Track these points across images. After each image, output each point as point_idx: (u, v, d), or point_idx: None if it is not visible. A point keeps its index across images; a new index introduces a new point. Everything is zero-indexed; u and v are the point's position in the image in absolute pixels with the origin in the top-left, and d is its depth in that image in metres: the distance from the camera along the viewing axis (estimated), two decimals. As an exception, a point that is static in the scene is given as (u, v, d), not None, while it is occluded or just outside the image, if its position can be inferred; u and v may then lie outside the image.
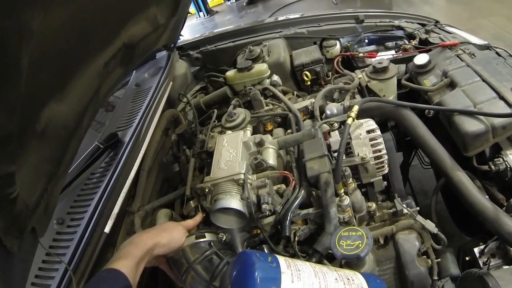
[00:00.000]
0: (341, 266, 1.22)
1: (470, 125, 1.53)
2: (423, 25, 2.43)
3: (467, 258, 1.50)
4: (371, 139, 1.50)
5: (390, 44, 2.34)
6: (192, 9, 9.94)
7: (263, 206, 1.36)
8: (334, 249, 1.13)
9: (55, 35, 1.08)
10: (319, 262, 1.26)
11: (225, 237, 1.40)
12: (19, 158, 0.98)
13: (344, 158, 1.48)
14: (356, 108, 1.56)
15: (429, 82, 1.88)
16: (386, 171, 1.54)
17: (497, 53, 1.89)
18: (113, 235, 1.52)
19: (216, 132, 1.89)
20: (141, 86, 2.24)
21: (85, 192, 1.62)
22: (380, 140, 1.51)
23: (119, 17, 1.54)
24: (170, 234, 1.30)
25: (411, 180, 2.57)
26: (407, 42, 2.30)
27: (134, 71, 2.40)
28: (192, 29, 9.43)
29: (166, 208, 1.65)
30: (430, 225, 1.35)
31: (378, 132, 1.52)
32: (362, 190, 1.58)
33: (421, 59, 1.95)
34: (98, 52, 1.40)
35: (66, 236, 1.47)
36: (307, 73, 2.26)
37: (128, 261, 1.14)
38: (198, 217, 1.47)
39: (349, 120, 1.49)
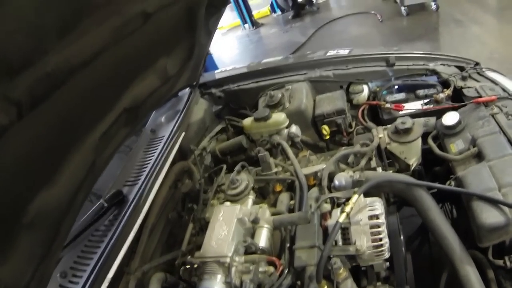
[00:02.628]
0: None
1: (488, 216, 1.35)
2: (461, 68, 2.20)
3: None
4: (371, 227, 1.38)
5: (421, 92, 2.16)
6: (237, 20, 9.96)
7: None
8: None
9: (44, 126, 1.04)
10: None
11: None
12: (4, 256, 0.97)
13: (338, 244, 1.41)
14: (353, 199, 1.42)
15: (455, 147, 1.70)
16: (386, 256, 1.42)
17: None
18: None
19: (216, 199, 1.83)
20: (156, 132, 2.19)
21: (87, 250, 1.62)
22: (382, 228, 1.39)
23: (119, 82, 1.46)
24: None
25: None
26: (440, 91, 2.10)
27: (154, 112, 2.34)
28: (237, 40, 9.47)
29: (160, 272, 1.61)
30: None
31: (382, 219, 1.40)
32: (362, 268, 1.48)
33: (450, 119, 1.77)
34: (93, 125, 1.33)
35: None
36: (326, 127, 2.13)
37: None
38: None
39: (341, 218, 1.36)
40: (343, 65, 2.42)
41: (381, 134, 1.87)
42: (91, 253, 1.58)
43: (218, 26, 2.17)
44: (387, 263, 1.47)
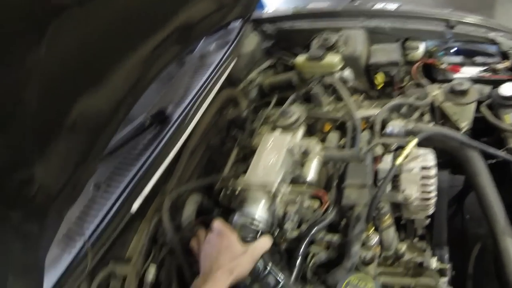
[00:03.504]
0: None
1: None
2: None
3: None
4: (422, 177, 1.37)
5: (479, 59, 2.09)
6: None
7: (286, 224, 1.34)
8: None
9: (94, 26, 1.01)
10: None
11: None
12: (42, 156, 0.96)
13: (387, 190, 1.38)
14: (412, 144, 1.41)
15: (510, 118, 1.68)
16: (430, 213, 1.41)
17: None
18: (140, 214, 1.52)
19: (266, 127, 1.82)
20: (205, 59, 2.17)
21: (124, 165, 1.63)
22: (433, 181, 1.37)
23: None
24: (243, 268, 1.21)
25: (467, 204, 2.37)
26: (499, 61, 2.04)
27: (203, 41, 2.32)
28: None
29: (197, 194, 1.62)
30: None
31: (434, 171, 1.38)
32: (401, 222, 1.47)
33: (508, 89, 1.73)
34: (147, 36, 1.30)
35: (97, 205, 1.50)
36: (380, 75, 2.09)
37: None
38: (266, 243, 1.29)
39: (398, 160, 1.35)
40: (402, 20, 2.36)
41: (435, 91, 1.84)
42: (128, 168, 1.60)
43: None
44: (427, 221, 1.47)
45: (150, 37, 1.31)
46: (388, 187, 1.41)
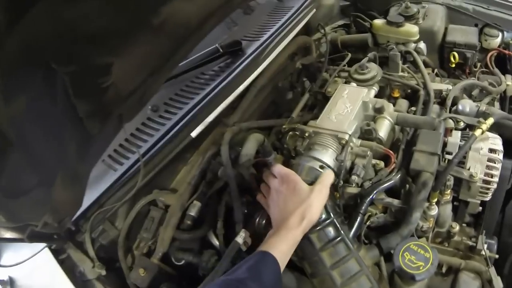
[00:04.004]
0: (392, 274, 1.22)
1: None
2: None
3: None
4: (489, 160, 1.38)
5: None
6: None
7: (353, 176, 1.32)
8: (395, 257, 1.12)
9: None
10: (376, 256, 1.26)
11: None
12: (124, 50, 0.99)
13: None
14: (491, 121, 1.43)
15: None
16: (488, 198, 1.42)
17: None
18: (198, 140, 1.53)
19: (341, 78, 1.84)
20: (284, 2, 2.19)
21: (189, 90, 1.64)
22: (498, 165, 1.38)
23: None
24: (315, 209, 1.18)
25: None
26: None
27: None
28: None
29: (260, 133, 1.58)
30: (498, 284, 1.25)
31: (501, 156, 1.40)
32: (455, 203, 1.48)
33: None
34: None
35: (154, 125, 1.52)
36: (456, 54, 2.09)
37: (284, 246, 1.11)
38: (330, 176, 1.28)
39: (478, 132, 1.37)
40: (485, 5, 2.33)
41: (509, 82, 1.85)
42: (191, 95, 1.61)
43: None
44: (480, 208, 1.48)
45: None
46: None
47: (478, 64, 2.14)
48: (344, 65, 1.95)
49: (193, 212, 1.42)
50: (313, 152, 1.37)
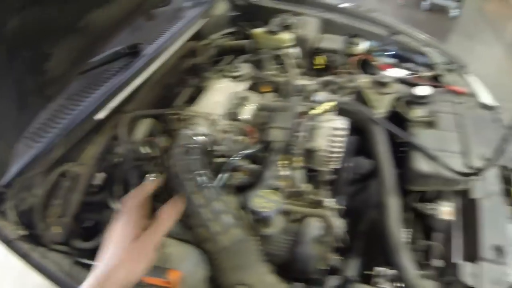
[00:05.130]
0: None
1: (421, 164, 1.71)
2: (449, 63, 2.50)
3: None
4: (332, 135, 1.70)
5: (408, 65, 2.48)
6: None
7: (219, 147, 1.63)
8: (248, 202, 1.40)
9: None
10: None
11: None
12: (59, 43, 1.45)
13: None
14: (333, 103, 1.76)
15: (416, 112, 2.03)
16: (332, 167, 1.75)
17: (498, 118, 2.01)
18: (102, 125, 1.79)
19: (216, 76, 2.15)
20: (181, 12, 2.49)
21: (95, 83, 1.89)
22: (339, 140, 1.71)
23: None
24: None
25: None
26: (424, 71, 2.41)
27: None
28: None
29: (151, 120, 1.89)
30: (339, 225, 1.52)
31: (342, 133, 1.72)
32: (313, 173, 1.77)
33: (422, 90, 2.07)
34: None
35: (66, 111, 1.74)
36: (321, 58, 2.46)
37: None
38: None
39: (314, 111, 1.70)
40: (355, 19, 2.75)
41: (362, 79, 2.19)
42: (98, 86, 1.85)
43: None
44: (330, 177, 1.79)
45: None
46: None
47: (345, 67, 2.48)
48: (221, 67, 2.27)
49: (97, 181, 1.70)
50: (187, 130, 1.65)
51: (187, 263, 1.36)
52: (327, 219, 1.50)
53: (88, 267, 1.47)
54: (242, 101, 1.86)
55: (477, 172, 1.61)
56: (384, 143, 1.82)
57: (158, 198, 1.43)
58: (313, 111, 1.72)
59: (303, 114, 1.79)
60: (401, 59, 2.55)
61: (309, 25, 2.57)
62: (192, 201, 1.41)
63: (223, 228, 1.38)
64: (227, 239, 1.38)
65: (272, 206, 1.37)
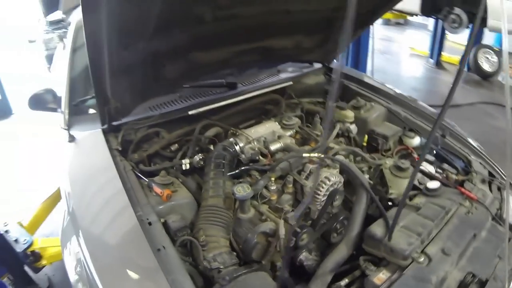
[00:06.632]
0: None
1: (376, 229, 1.97)
2: (490, 174, 2.64)
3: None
4: (321, 180, 2.26)
5: (444, 165, 2.70)
6: (427, 51, 10.64)
7: (243, 156, 2.51)
8: (232, 190, 2.09)
9: None
10: None
11: None
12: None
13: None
14: (332, 168, 2.39)
15: (417, 199, 2.26)
16: (318, 207, 2.29)
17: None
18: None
19: (275, 119, 3.05)
20: (278, 71, 3.60)
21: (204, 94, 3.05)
22: (325, 187, 2.24)
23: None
24: None
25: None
26: (455, 173, 2.62)
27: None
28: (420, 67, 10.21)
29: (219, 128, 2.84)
30: (283, 233, 1.94)
31: (329, 182, 2.26)
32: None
33: (431, 184, 2.31)
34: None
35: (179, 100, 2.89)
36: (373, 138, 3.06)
37: None
38: None
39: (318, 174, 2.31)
40: (416, 114, 3.18)
41: (388, 160, 2.64)
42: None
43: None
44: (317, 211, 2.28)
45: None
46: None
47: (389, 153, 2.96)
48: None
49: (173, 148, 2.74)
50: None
51: (183, 199, 2.16)
52: (278, 226, 1.98)
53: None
54: (275, 136, 2.66)
55: (414, 256, 1.81)
56: (363, 205, 2.18)
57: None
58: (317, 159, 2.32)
59: (312, 161, 2.39)
60: (441, 159, 2.81)
61: (375, 111, 3.20)
62: (208, 174, 2.30)
63: (213, 194, 2.16)
64: (212, 201, 2.13)
65: (243, 193, 2.02)
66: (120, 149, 2.38)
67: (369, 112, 3.16)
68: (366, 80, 3.71)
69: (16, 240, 3.25)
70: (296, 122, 2.91)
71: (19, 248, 3.20)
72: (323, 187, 2.25)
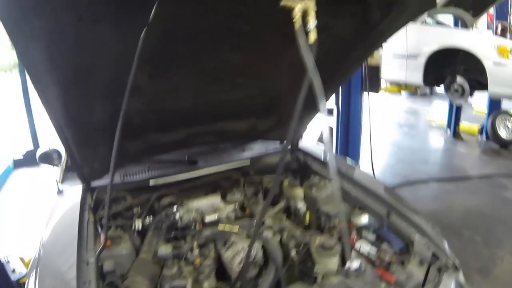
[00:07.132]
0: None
1: None
2: (434, 255, 2.48)
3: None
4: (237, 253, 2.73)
5: (383, 245, 2.70)
6: (444, 122, 10.76)
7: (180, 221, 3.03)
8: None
9: None
10: None
11: None
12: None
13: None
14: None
15: (333, 277, 2.49)
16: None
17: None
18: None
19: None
20: (238, 151, 4.05)
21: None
22: (237, 259, 2.73)
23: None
24: None
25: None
26: (391, 254, 2.58)
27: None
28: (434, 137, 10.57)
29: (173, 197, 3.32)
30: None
31: (242, 254, 2.71)
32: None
33: (352, 264, 2.45)
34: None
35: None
36: (310, 215, 3.43)
37: None
38: None
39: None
40: (367, 195, 3.26)
41: (319, 239, 2.78)
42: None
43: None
44: None
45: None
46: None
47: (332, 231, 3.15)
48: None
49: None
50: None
51: (123, 250, 2.64)
52: (186, 283, 2.46)
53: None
54: (213, 209, 3.18)
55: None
56: (269, 278, 2.60)
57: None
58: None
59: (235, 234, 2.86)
60: (381, 238, 2.80)
61: (325, 189, 3.50)
62: (148, 234, 2.81)
63: (146, 250, 2.63)
64: (143, 255, 2.59)
65: (164, 252, 2.59)
66: (92, 206, 2.91)
67: (320, 191, 3.47)
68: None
69: (13, 270, 4.16)
70: (237, 199, 3.38)
71: (14, 277, 4.08)
72: (235, 258, 2.69)
